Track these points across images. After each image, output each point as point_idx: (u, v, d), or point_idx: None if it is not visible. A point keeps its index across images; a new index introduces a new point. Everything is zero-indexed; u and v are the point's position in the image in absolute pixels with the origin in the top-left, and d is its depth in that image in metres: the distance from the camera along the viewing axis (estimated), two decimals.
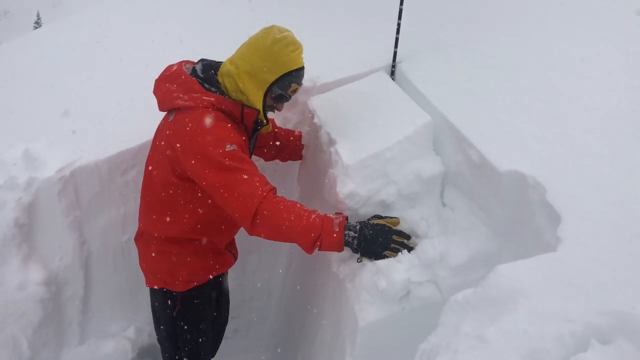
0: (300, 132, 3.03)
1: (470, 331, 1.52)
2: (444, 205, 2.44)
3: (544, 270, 1.60)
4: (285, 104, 3.24)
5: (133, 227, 2.68)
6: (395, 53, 3.02)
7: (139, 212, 2.59)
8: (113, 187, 3.04)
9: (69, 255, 2.96)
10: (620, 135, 2.07)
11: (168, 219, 2.41)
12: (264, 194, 2.14)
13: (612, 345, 1.33)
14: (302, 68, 2.36)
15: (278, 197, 2.21)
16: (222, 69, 2.36)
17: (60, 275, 2.95)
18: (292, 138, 2.99)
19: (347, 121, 2.64)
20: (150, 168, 2.45)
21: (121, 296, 3.28)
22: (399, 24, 2.92)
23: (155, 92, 2.40)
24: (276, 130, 2.96)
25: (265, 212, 2.13)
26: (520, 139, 2.18)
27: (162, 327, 2.72)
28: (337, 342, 2.50)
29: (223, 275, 2.82)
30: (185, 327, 2.64)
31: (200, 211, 2.39)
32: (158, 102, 2.40)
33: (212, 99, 2.26)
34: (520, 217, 2.04)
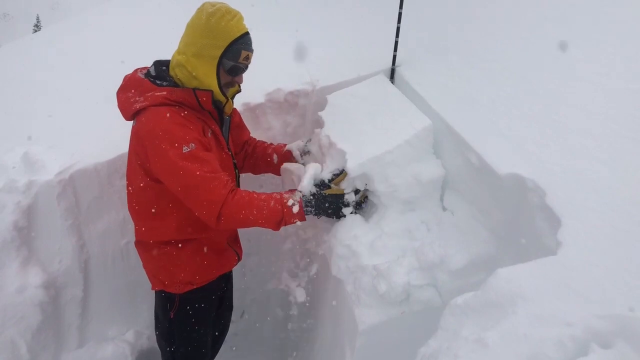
0: (283, 145, 2.94)
1: (470, 335, 1.52)
2: (444, 208, 2.44)
3: (543, 274, 1.60)
4: (285, 107, 3.27)
5: (132, 231, 2.67)
6: (394, 56, 3.03)
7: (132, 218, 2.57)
8: (112, 191, 3.03)
9: (68, 259, 2.95)
10: (620, 138, 2.07)
11: (156, 223, 2.41)
12: (224, 196, 2.19)
13: (612, 349, 1.33)
14: (246, 34, 2.27)
15: (237, 194, 2.24)
16: (172, 62, 2.33)
17: (59, 279, 2.94)
18: (269, 151, 2.89)
19: (347, 124, 2.64)
20: (128, 174, 2.45)
21: (120, 299, 3.27)
22: (398, 28, 2.93)
23: (118, 105, 2.38)
24: (247, 139, 2.91)
25: (227, 212, 2.20)
26: (519, 142, 2.18)
27: (160, 329, 2.71)
28: (337, 345, 2.50)
29: (226, 276, 2.77)
30: (182, 330, 2.62)
31: (183, 210, 2.35)
32: (121, 113, 2.37)
33: (164, 92, 2.22)
34: (520, 220, 2.04)
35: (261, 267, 3.72)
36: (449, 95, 2.65)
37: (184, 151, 2.14)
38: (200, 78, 2.25)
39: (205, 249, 2.50)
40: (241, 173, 2.86)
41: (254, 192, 2.31)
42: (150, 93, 2.23)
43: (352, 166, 2.35)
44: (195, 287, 2.54)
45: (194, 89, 2.24)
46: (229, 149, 2.52)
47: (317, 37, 3.71)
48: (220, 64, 2.25)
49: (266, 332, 3.92)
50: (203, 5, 2.26)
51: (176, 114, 2.20)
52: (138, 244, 2.57)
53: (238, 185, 2.67)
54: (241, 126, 2.85)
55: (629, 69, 2.44)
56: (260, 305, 3.89)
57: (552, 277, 1.59)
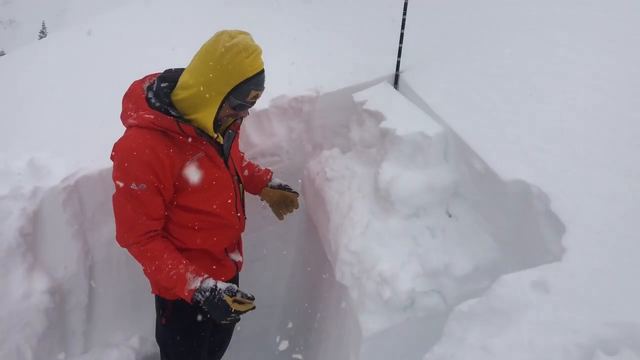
0: (267, 170, 2.94)
1: (475, 342, 1.52)
2: (449, 214, 2.44)
3: (549, 281, 1.60)
4: (290, 112, 3.28)
5: None
6: (398, 62, 3.04)
7: None
8: None
9: (74, 265, 2.96)
10: (624, 144, 2.07)
11: None
12: (137, 240, 2.25)
13: (618, 357, 1.33)
14: (260, 72, 2.16)
15: (150, 244, 2.27)
16: (179, 81, 2.25)
17: (64, 285, 2.95)
18: (257, 173, 2.89)
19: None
20: None
21: (125, 305, 3.28)
22: (402, 34, 2.93)
23: (121, 109, 2.36)
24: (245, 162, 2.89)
25: (133, 251, 2.30)
26: (523, 148, 2.18)
27: (156, 332, 2.70)
28: (341, 352, 2.50)
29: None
30: (174, 338, 2.59)
31: (171, 222, 2.36)
32: (121, 120, 2.35)
33: (152, 116, 2.14)
34: (524, 226, 2.04)
35: (265, 272, 3.72)
36: (453, 101, 2.65)
37: (131, 187, 2.14)
38: (198, 107, 2.19)
39: (197, 256, 2.45)
40: None
41: (167, 250, 2.30)
42: (142, 113, 2.18)
43: None
44: None
45: (177, 120, 2.14)
46: (227, 166, 2.43)
47: (321, 44, 3.72)
48: (225, 101, 2.17)
49: (270, 338, 3.92)
50: (222, 34, 2.14)
51: (149, 148, 2.13)
52: None
53: (242, 199, 2.60)
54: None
55: (632, 74, 2.43)
56: (264, 311, 3.89)
57: (557, 284, 1.59)
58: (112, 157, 2.20)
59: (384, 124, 2.59)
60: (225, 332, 2.99)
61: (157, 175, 2.16)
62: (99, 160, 2.96)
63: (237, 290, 2.31)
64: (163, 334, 2.64)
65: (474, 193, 2.33)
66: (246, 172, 2.84)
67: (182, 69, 2.30)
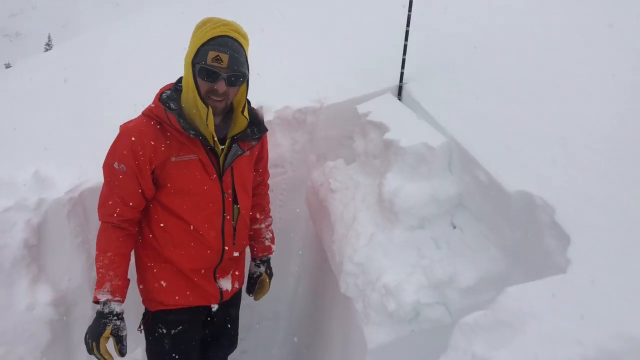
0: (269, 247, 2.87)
1: (481, 354, 1.51)
2: (453, 226, 2.43)
3: (554, 292, 1.59)
4: (294, 124, 3.28)
5: None
6: (402, 74, 3.04)
7: None
8: None
9: (78, 276, 2.96)
10: (628, 156, 2.06)
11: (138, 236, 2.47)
12: (103, 218, 2.31)
13: None
14: (220, 36, 2.13)
15: (107, 231, 2.30)
16: None
17: (69, 296, 2.95)
18: (260, 239, 2.84)
19: None
20: None
21: (129, 317, 3.26)
22: (405, 45, 2.95)
23: None
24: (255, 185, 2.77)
25: (99, 230, 2.33)
26: (527, 159, 2.18)
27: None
28: None
29: (207, 308, 2.56)
30: (154, 353, 2.54)
31: (151, 224, 2.38)
32: None
33: (152, 105, 2.26)
34: (529, 238, 2.03)
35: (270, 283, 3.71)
36: (456, 112, 2.66)
37: (114, 165, 2.22)
38: (185, 89, 2.22)
39: (177, 270, 2.39)
40: None
41: (117, 245, 2.30)
42: (151, 103, 2.29)
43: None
44: (166, 307, 2.44)
45: (165, 109, 2.19)
46: (221, 180, 2.34)
47: (324, 55, 3.74)
48: (194, 70, 2.16)
49: (274, 351, 3.91)
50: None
51: (138, 133, 2.20)
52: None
53: (235, 224, 2.46)
54: (257, 170, 2.69)
55: (636, 86, 2.44)
56: (268, 323, 3.88)
57: (562, 296, 1.58)
58: None
59: (387, 135, 2.60)
60: (218, 328, 2.75)
61: (138, 161, 2.20)
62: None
63: (118, 337, 2.26)
64: (147, 345, 2.59)
65: (478, 204, 2.33)
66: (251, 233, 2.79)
67: None
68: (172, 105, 2.21)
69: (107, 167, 2.26)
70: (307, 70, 3.55)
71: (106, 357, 2.23)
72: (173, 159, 2.24)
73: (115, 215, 2.27)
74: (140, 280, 2.50)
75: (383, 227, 2.47)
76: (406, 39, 2.93)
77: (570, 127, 2.29)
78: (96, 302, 2.24)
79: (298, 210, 3.48)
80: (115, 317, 2.25)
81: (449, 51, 3.27)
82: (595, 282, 1.61)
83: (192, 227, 2.32)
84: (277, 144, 3.30)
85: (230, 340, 2.85)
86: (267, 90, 3.31)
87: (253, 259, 2.86)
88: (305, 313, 3.43)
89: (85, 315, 3.05)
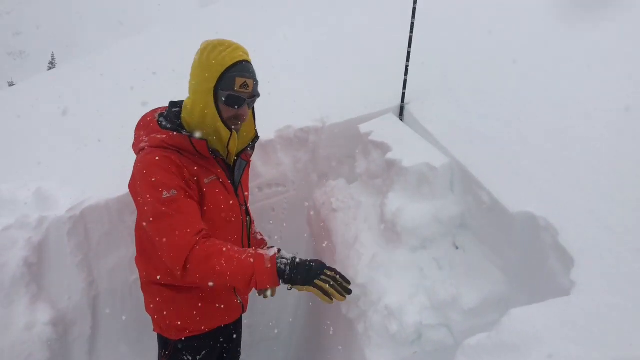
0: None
1: None
2: (456, 246, 2.42)
3: (558, 315, 1.58)
4: (296, 143, 3.29)
5: None
6: (403, 94, 3.06)
7: (135, 258, 2.49)
8: (122, 227, 3.04)
9: (77, 295, 2.94)
10: (632, 176, 2.06)
11: (151, 264, 2.33)
12: (194, 242, 2.05)
13: None
14: (241, 61, 2.16)
15: (209, 242, 2.08)
16: (183, 104, 2.30)
17: (68, 315, 2.93)
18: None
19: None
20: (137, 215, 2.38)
21: (128, 337, 3.25)
22: (407, 66, 2.96)
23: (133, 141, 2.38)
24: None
25: (195, 259, 2.04)
26: (530, 180, 2.17)
27: None
28: None
29: (230, 326, 2.60)
30: None
31: None
32: (133, 151, 2.36)
33: (164, 136, 2.18)
34: (532, 259, 2.02)
35: (270, 304, 3.69)
36: (458, 132, 2.66)
37: (163, 196, 2.07)
38: (201, 115, 2.19)
39: (202, 295, 2.37)
40: None
41: (228, 243, 2.13)
42: (153, 135, 2.21)
43: None
44: (191, 334, 2.42)
45: (189, 136, 2.17)
46: (237, 194, 2.42)
47: (326, 75, 3.77)
48: (216, 96, 2.16)
49: None
50: (202, 43, 2.24)
51: (166, 158, 2.13)
52: (142, 285, 2.49)
53: (248, 234, 2.56)
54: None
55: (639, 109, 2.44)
56: (269, 343, 3.85)
57: (566, 319, 1.56)
58: (134, 181, 2.17)
59: (389, 155, 2.60)
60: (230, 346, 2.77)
61: (184, 180, 2.13)
62: (104, 190, 2.97)
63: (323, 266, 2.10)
64: None
65: (480, 225, 2.32)
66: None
67: (182, 100, 2.35)
68: (197, 134, 2.19)
69: (160, 206, 2.06)
70: (309, 90, 3.57)
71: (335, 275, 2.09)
72: (205, 180, 2.24)
73: (197, 233, 2.08)
74: (158, 310, 2.42)
75: (385, 248, 2.46)
76: (408, 59, 2.95)
77: (573, 147, 2.29)
78: (276, 265, 2.06)
79: (299, 229, 3.47)
80: (296, 258, 2.11)
81: (451, 72, 3.29)
82: (600, 304, 1.59)
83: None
84: (279, 163, 3.31)
85: (236, 357, 2.85)
86: (269, 110, 3.32)
87: None
88: (306, 334, 3.40)
89: (84, 335, 3.02)
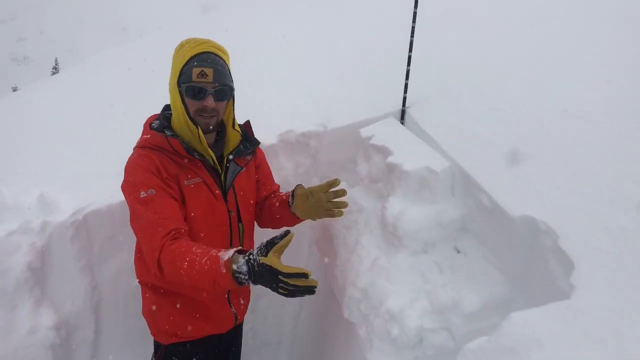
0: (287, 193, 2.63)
1: None
2: (457, 250, 2.42)
3: (558, 319, 1.58)
4: (297, 147, 3.30)
5: None
6: (404, 98, 3.07)
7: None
8: (125, 232, 3.05)
9: (80, 300, 2.95)
10: (632, 180, 2.06)
11: (142, 264, 2.32)
12: (162, 243, 2.01)
13: None
14: (200, 53, 2.15)
15: (175, 243, 2.01)
16: None
17: (71, 320, 2.94)
18: (274, 201, 2.63)
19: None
20: None
21: (131, 342, 3.25)
22: (408, 70, 2.97)
23: None
24: (268, 194, 2.67)
25: (165, 260, 2.01)
26: (531, 184, 2.18)
27: None
28: None
29: (225, 336, 2.55)
30: None
31: None
32: None
33: (148, 136, 2.23)
34: (533, 263, 2.02)
35: (272, 309, 3.69)
36: (459, 136, 2.67)
37: (141, 196, 2.09)
38: (175, 114, 2.23)
39: (191, 301, 2.33)
40: (263, 227, 2.68)
41: (198, 245, 2.01)
42: (142, 136, 2.27)
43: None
44: (180, 340, 2.41)
45: (165, 135, 2.17)
46: (226, 200, 2.34)
47: (327, 79, 3.78)
48: (180, 91, 2.17)
49: None
50: None
51: (146, 157, 2.16)
52: (140, 286, 2.49)
53: (242, 242, 2.44)
54: (261, 182, 2.65)
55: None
56: (270, 348, 3.85)
57: (567, 322, 1.57)
58: (122, 186, 2.21)
59: (390, 159, 2.61)
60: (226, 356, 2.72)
61: (162, 179, 2.14)
62: (107, 195, 2.98)
63: (269, 242, 1.92)
64: None
65: (481, 228, 2.32)
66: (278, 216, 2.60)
67: None
68: (168, 132, 2.19)
69: (134, 202, 2.10)
70: (310, 95, 3.58)
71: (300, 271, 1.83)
72: (185, 182, 2.22)
73: (169, 233, 2.03)
74: (150, 313, 2.42)
75: (386, 252, 2.47)
76: (409, 64, 2.95)
77: (573, 150, 2.29)
78: (230, 273, 1.87)
79: (301, 233, 3.47)
80: (250, 254, 1.90)
81: (451, 76, 3.30)
82: (600, 308, 1.60)
83: None
84: (281, 168, 3.31)
85: None
86: (270, 114, 3.34)
87: (289, 208, 2.54)
88: (308, 338, 3.40)
89: (87, 340, 3.03)
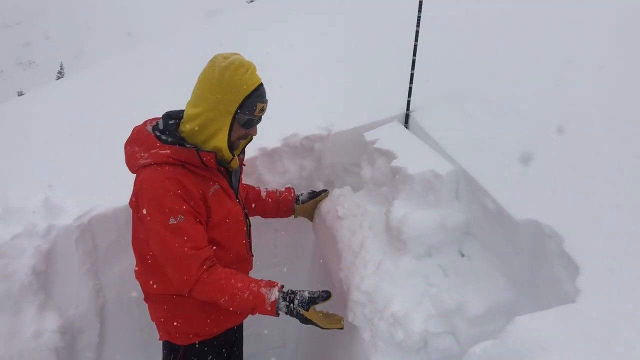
0: (288, 189, 3.00)
1: None
2: (461, 254, 2.42)
3: (563, 323, 1.57)
4: (301, 151, 3.31)
5: None
6: (408, 102, 3.07)
7: (135, 272, 2.51)
8: (130, 236, 3.05)
9: (85, 304, 2.96)
10: (637, 184, 2.05)
11: (157, 279, 2.36)
12: (198, 275, 2.16)
13: None
14: (260, 85, 2.22)
15: (213, 275, 2.19)
16: (184, 116, 2.28)
17: (75, 324, 2.95)
18: (280, 197, 2.94)
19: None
20: (132, 226, 2.43)
21: (135, 345, 3.26)
22: (412, 74, 2.97)
23: (125, 157, 2.37)
24: (261, 193, 2.92)
25: (198, 292, 2.19)
26: (535, 188, 2.17)
27: None
28: None
29: (234, 328, 2.67)
30: None
31: None
32: (127, 166, 2.36)
33: (168, 151, 2.17)
34: (538, 267, 2.02)
35: None
36: (463, 140, 2.66)
37: (170, 222, 2.11)
38: (211, 133, 2.22)
39: (208, 304, 2.38)
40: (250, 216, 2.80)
41: (232, 275, 2.24)
42: (155, 150, 2.20)
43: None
44: (200, 339, 2.47)
45: (197, 150, 2.17)
46: (238, 200, 2.48)
47: (332, 83, 3.78)
48: (235, 119, 2.22)
49: None
50: (215, 57, 2.21)
51: (174, 180, 2.14)
52: (146, 296, 2.51)
53: (249, 236, 2.62)
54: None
55: None
56: (275, 351, 3.84)
57: (572, 326, 1.56)
58: (141, 202, 2.18)
59: (395, 163, 2.61)
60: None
61: (190, 203, 2.16)
62: (112, 198, 3.00)
63: (311, 299, 2.24)
64: None
65: (486, 232, 2.32)
66: (270, 200, 2.90)
67: (178, 111, 2.36)
68: (188, 145, 2.20)
69: (162, 228, 2.13)
70: (314, 98, 3.59)
71: (333, 324, 2.29)
72: (210, 191, 2.28)
73: (203, 263, 2.18)
74: (167, 317, 2.44)
75: (391, 255, 2.46)
76: (413, 67, 2.95)
77: (578, 154, 2.28)
78: (276, 310, 2.23)
79: (305, 237, 3.47)
80: (295, 307, 2.23)
81: (456, 80, 3.30)
82: (605, 311, 1.59)
83: (226, 250, 2.38)
84: (285, 171, 3.32)
85: (242, 350, 2.90)
86: (274, 117, 3.34)
87: (292, 205, 2.97)
88: (312, 341, 3.39)
89: (91, 343, 3.03)
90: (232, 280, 2.20)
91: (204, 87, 2.19)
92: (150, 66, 4.78)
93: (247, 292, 2.19)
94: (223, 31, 5.70)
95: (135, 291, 3.13)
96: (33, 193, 3.04)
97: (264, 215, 2.97)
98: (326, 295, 2.26)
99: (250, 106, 2.21)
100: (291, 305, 2.21)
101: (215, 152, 2.20)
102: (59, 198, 3.00)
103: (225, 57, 2.19)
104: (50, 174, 3.29)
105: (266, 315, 2.26)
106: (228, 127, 2.21)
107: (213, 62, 2.19)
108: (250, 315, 2.78)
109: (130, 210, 2.80)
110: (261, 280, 2.27)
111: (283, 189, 2.99)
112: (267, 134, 3.07)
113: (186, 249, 2.13)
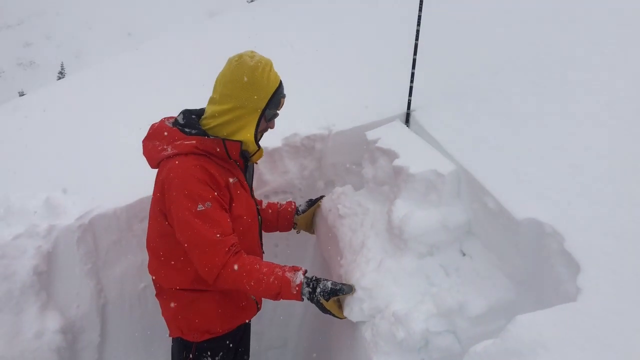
0: (288, 202, 3.02)
1: None
2: (462, 253, 2.42)
3: (564, 321, 1.57)
4: (302, 150, 3.31)
5: (150, 276, 2.69)
6: (409, 101, 3.06)
7: (148, 266, 2.55)
8: (131, 235, 3.06)
9: (86, 303, 2.96)
10: (637, 182, 2.05)
11: (174, 271, 2.40)
12: (224, 260, 2.20)
13: None
14: (281, 81, 2.37)
15: (239, 260, 2.22)
16: (206, 112, 2.35)
17: (77, 324, 2.95)
18: (281, 209, 2.97)
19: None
20: (150, 221, 2.46)
21: (136, 345, 3.26)
22: (412, 73, 2.97)
23: (143, 152, 2.41)
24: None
25: (225, 276, 2.22)
26: (536, 187, 2.17)
27: None
28: None
29: (244, 325, 2.71)
30: None
31: None
32: (147, 162, 2.42)
33: (193, 141, 2.24)
34: (539, 266, 2.02)
35: (277, 311, 3.70)
36: (465, 139, 2.66)
37: (198, 209, 2.17)
38: (236, 129, 2.29)
39: (225, 296, 2.47)
40: None
41: (257, 261, 2.29)
42: (180, 142, 2.26)
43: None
44: (213, 336, 2.51)
45: (223, 140, 2.26)
46: (252, 196, 2.56)
47: (333, 83, 3.78)
48: (262, 114, 2.31)
49: None
50: (240, 57, 2.28)
51: (201, 167, 2.21)
52: (159, 292, 2.56)
53: (260, 231, 2.67)
54: None
55: None
56: (276, 350, 3.85)
57: (573, 325, 1.56)
58: (168, 192, 2.23)
59: (396, 162, 2.61)
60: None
61: (216, 190, 2.23)
62: (113, 198, 3.00)
63: (333, 290, 2.29)
64: None
65: (487, 232, 2.31)
66: (270, 211, 2.93)
67: (197, 109, 2.41)
68: (212, 136, 2.28)
69: (189, 215, 2.17)
70: (315, 98, 3.59)
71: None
72: (231, 180, 2.35)
73: (229, 249, 2.22)
74: (181, 313, 2.48)
75: (392, 254, 2.46)
76: (413, 67, 2.95)
77: (579, 153, 2.29)
78: (301, 294, 2.26)
79: (306, 236, 3.47)
80: (317, 295, 2.27)
81: (457, 79, 3.30)
82: (606, 310, 1.59)
83: (245, 246, 2.40)
84: (286, 171, 3.32)
85: (249, 346, 2.91)
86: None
87: (293, 217, 2.99)
88: (313, 340, 3.40)
89: (93, 343, 3.04)
90: (257, 266, 2.25)
91: (233, 86, 2.26)
92: (150, 66, 4.78)
93: (273, 277, 2.23)
94: (223, 31, 5.71)
95: (137, 290, 3.14)
96: (33, 193, 3.04)
97: (264, 227, 2.94)
98: (348, 290, 2.32)
99: (276, 102, 2.35)
100: (313, 293, 2.26)
101: (241, 142, 2.29)
102: (60, 198, 3.00)
103: (250, 56, 2.29)
104: (51, 174, 3.29)
105: (290, 301, 2.31)
106: (256, 122, 2.31)
107: (240, 62, 2.27)
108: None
109: (131, 211, 2.83)
110: (285, 265, 2.32)
111: (283, 203, 3.00)
112: (268, 134, 3.06)
113: (214, 234, 2.19)
